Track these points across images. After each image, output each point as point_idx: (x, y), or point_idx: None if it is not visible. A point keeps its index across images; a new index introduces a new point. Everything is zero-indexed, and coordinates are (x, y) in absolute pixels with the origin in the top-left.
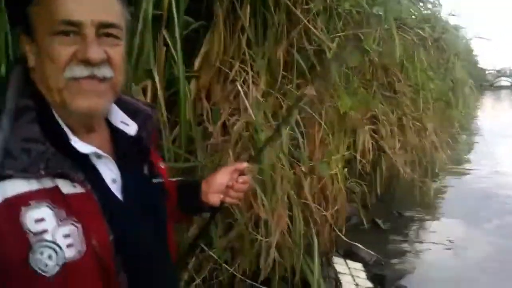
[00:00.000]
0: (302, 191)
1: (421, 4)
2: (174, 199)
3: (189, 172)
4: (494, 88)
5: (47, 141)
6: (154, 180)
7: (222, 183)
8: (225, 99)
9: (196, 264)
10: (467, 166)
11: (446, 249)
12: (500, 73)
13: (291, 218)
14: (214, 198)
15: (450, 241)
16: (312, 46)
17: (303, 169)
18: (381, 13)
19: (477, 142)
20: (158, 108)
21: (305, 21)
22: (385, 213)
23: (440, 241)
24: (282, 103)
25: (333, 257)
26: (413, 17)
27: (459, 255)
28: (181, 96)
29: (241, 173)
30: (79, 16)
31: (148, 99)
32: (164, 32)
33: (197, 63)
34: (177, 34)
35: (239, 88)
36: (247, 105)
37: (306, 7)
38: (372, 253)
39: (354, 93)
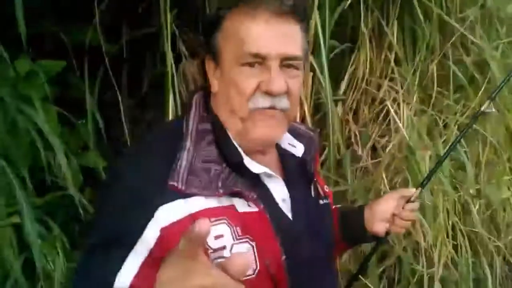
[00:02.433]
0: (467, 217)
1: None
2: (335, 227)
3: (339, 196)
4: None
5: (223, 162)
6: (321, 202)
7: (387, 211)
8: (373, 121)
9: None
10: None
11: None
12: None
13: (454, 247)
14: (379, 227)
15: None
16: (471, 57)
17: (471, 191)
18: None
19: None
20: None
21: (461, 30)
22: None
23: None
24: (438, 120)
25: None
26: None
27: None
28: (330, 120)
29: (408, 200)
30: (267, 50)
31: None
32: (311, 57)
33: (343, 85)
34: (323, 59)
35: (390, 107)
36: (399, 124)
37: (461, 15)
38: None
39: None
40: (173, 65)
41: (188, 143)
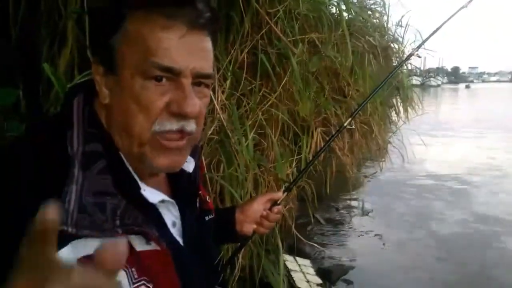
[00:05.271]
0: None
1: (369, 13)
2: None
3: None
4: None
5: (118, 193)
6: (206, 218)
7: (257, 213)
8: None
9: None
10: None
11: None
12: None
13: None
14: (248, 228)
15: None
16: (273, 49)
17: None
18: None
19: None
20: None
21: (271, 23)
22: (323, 208)
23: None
24: (246, 104)
25: (282, 254)
26: (368, 24)
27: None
28: None
29: (275, 202)
30: (181, 64)
31: None
32: None
33: None
34: None
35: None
36: (217, 108)
37: (270, 10)
38: (317, 246)
39: (312, 97)
40: None
41: (75, 171)
